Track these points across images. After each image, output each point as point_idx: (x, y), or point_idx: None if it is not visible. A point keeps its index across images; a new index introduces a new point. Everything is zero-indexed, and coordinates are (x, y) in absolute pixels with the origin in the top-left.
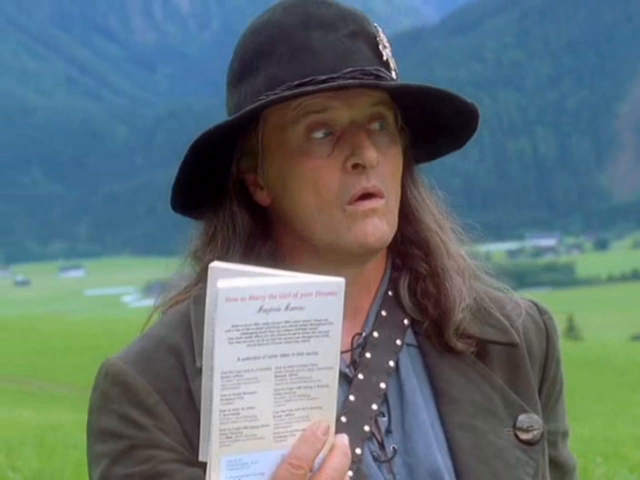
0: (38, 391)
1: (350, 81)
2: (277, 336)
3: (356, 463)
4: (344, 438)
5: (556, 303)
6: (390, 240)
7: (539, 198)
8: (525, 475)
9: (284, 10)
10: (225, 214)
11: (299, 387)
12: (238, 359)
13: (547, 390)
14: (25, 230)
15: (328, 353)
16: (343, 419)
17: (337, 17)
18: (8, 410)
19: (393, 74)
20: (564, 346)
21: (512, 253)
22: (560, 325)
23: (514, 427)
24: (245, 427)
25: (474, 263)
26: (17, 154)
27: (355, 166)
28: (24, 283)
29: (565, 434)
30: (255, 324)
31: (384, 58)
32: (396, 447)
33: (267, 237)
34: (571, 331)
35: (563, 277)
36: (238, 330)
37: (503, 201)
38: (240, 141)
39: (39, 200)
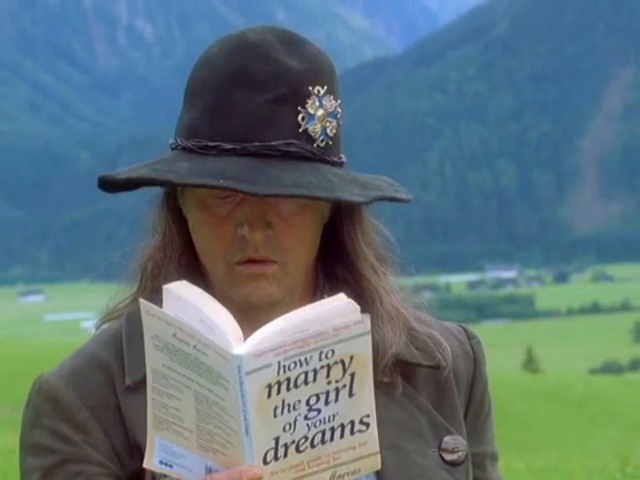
0: None
1: (230, 184)
2: (191, 365)
3: None
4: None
5: (515, 335)
6: (281, 298)
7: (500, 230)
8: None
9: (227, 53)
10: (164, 232)
11: (214, 418)
12: (163, 365)
13: (474, 413)
14: None
15: (230, 404)
16: None
17: (270, 76)
18: None
19: (318, 143)
20: (523, 378)
21: (472, 284)
22: (519, 357)
23: (439, 448)
24: (173, 423)
25: (405, 298)
26: None
27: (245, 237)
28: None
29: (494, 457)
30: (172, 345)
31: (300, 129)
32: None
33: (197, 261)
34: (530, 363)
35: (523, 309)
36: (160, 341)
37: (464, 232)
38: None
39: (0, 225)
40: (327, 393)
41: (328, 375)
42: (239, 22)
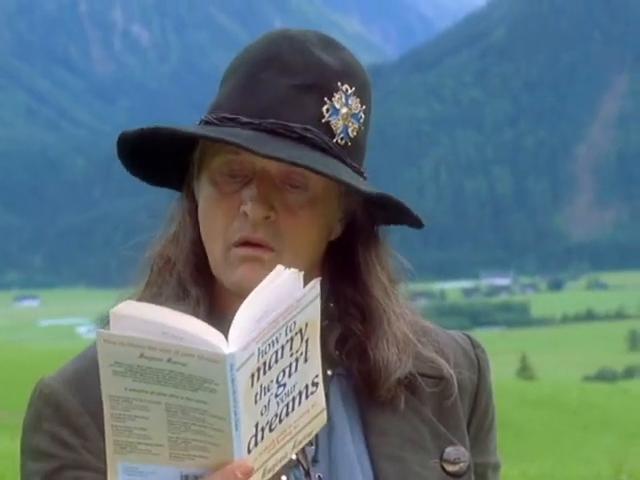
0: None
1: (234, 139)
2: (162, 379)
3: None
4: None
5: (510, 342)
6: None
7: (495, 237)
8: None
9: (264, 42)
10: (179, 224)
11: (193, 424)
12: (125, 389)
13: (477, 422)
14: None
15: (218, 405)
16: None
17: (300, 65)
18: None
19: (337, 139)
20: (517, 385)
21: (467, 291)
22: (513, 365)
23: (441, 459)
24: (139, 443)
25: (418, 326)
26: None
27: (245, 214)
28: None
29: (496, 467)
30: (138, 365)
31: (323, 120)
32: (321, 476)
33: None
34: (524, 371)
35: (517, 316)
36: (121, 366)
37: (459, 239)
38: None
39: None
40: (290, 365)
41: (291, 347)
42: (235, 28)
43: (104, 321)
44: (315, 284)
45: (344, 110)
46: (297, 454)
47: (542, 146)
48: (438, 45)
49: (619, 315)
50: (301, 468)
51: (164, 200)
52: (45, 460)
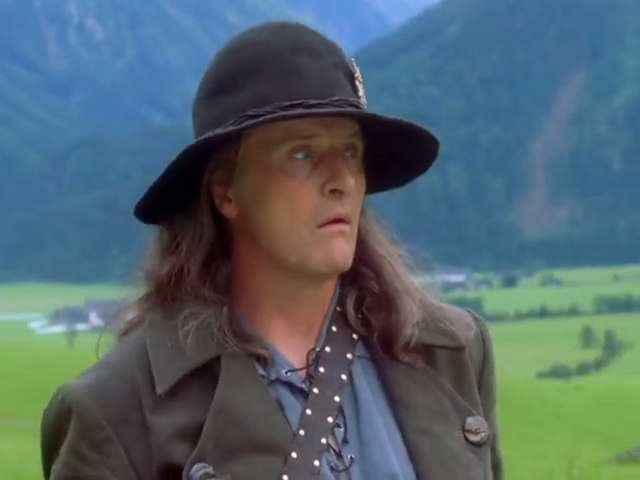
0: None
1: (349, 109)
2: None
3: (314, 475)
4: None
5: None
6: (348, 266)
7: (449, 234)
8: (477, 475)
9: (272, 32)
10: (194, 224)
11: None
12: None
13: (485, 394)
14: None
15: None
16: (301, 432)
17: (323, 46)
18: None
19: (365, 106)
20: None
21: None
22: None
23: (463, 429)
24: None
25: (421, 286)
26: None
27: (333, 191)
28: None
29: (497, 435)
30: None
31: (359, 92)
32: (353, 456)
33: (227, 249)
34: None
35: None
36: None
37: (413, 236)
38: (215, 154)
39: None
40: None
41: None
42: (190, 23)
43: (129, 324)
44: None
45: (362, 84)
46: (327, 438)
47: (497, 143)
48: (392, 42)
49: (573, 312)
50: (332, 451)
51: (117, 196)
52: (64, 469)
